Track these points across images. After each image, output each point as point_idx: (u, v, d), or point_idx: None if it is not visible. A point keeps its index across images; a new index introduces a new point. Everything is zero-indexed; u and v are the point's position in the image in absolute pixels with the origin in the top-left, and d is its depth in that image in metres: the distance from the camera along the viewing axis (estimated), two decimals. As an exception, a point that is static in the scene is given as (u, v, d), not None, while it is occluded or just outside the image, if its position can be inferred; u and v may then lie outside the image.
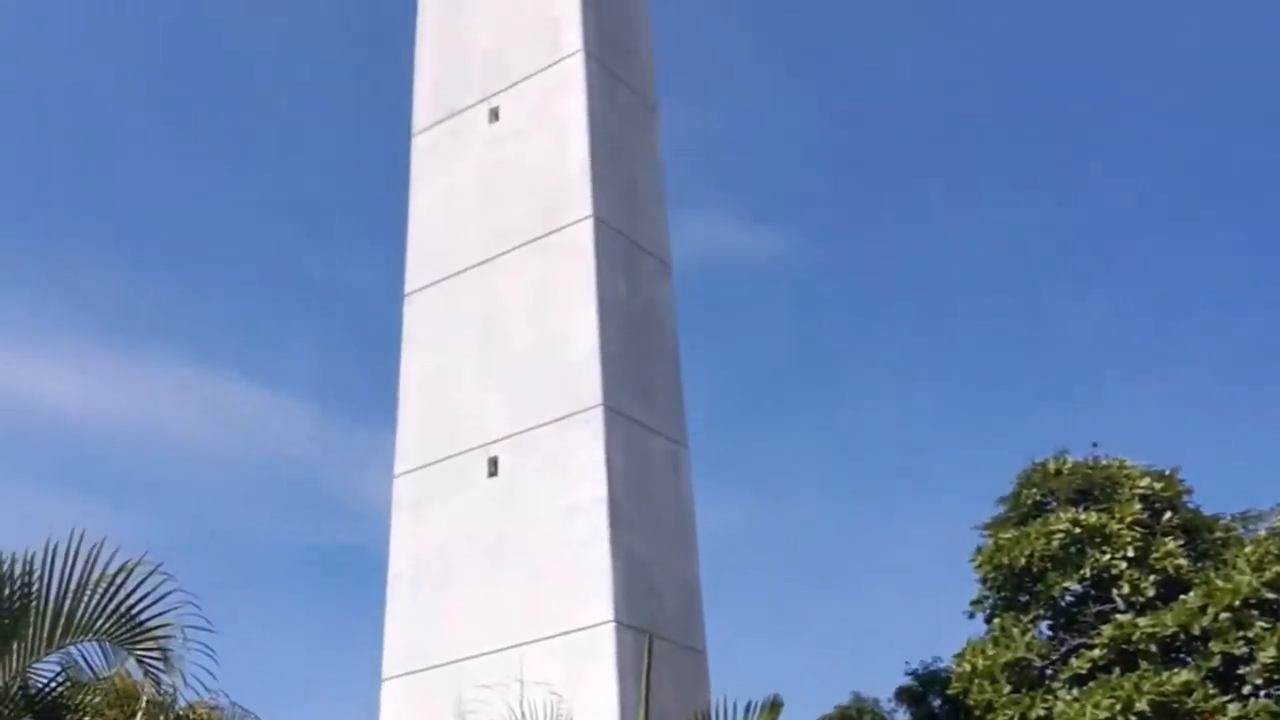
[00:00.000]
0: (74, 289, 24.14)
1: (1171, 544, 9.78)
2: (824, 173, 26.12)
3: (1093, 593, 9.87)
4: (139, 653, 4.44)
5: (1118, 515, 9.89)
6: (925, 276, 25.56)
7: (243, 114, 25.79)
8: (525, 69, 9.00)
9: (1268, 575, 9.06)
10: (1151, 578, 9.64)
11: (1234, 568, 9.44)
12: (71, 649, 4.44)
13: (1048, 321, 24.33)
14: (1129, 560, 9.69)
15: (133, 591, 4.24)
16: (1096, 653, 9.39)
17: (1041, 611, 10.06)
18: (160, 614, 4.32)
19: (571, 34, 8.86)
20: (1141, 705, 8.86)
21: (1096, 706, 9.01)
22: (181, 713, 5.19)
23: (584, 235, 8.33)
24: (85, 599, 4.23)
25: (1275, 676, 8.82)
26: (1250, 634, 8.92)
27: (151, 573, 4.23)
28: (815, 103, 26.02)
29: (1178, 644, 9.45)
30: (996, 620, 10.21)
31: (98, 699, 4.88)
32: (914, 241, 25.48)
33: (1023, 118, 24.99)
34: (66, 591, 4.21)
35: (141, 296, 24.40)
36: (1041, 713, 9.47)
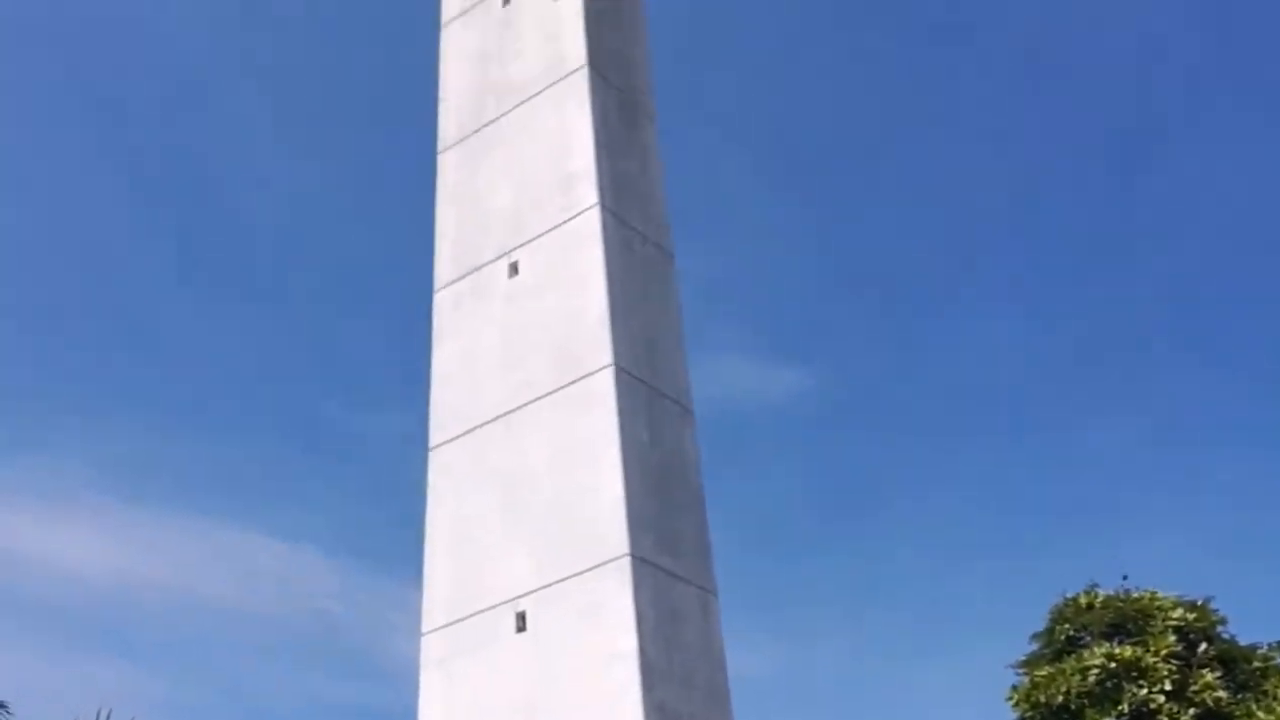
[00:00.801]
0: (97, 449, 24.25)
1: (1209, 676, 9.60)
2: (840, 303, 26.30)
3: (1133, 728, 9.67)
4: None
5: (1153, 648, 9.72)
6: (948, 402, 25.53)
7: (263, 269, 26.19)
8: (543, 224, 9.11)
9: (1310, 705, 8.89)
10: (1191, 711, 9.44)
11: (1275, 698, 9.25)
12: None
13: (1074, 446, 24.22)
14: (1167, 694, 9.49)
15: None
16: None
17: (1082, 748, 9.83)
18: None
19: (587, 188, 8.98)
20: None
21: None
22: None
23: (605, 385, 8.33)
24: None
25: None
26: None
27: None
28: (825, 234, 26.32)
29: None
30: (1038, 758, 9.97)
31: None
32: (936, 368, 25.52)
33: (1041, 233, 25.18)
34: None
35: (164, 454, 24.49)
36: None
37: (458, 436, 8.95)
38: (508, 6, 10.28)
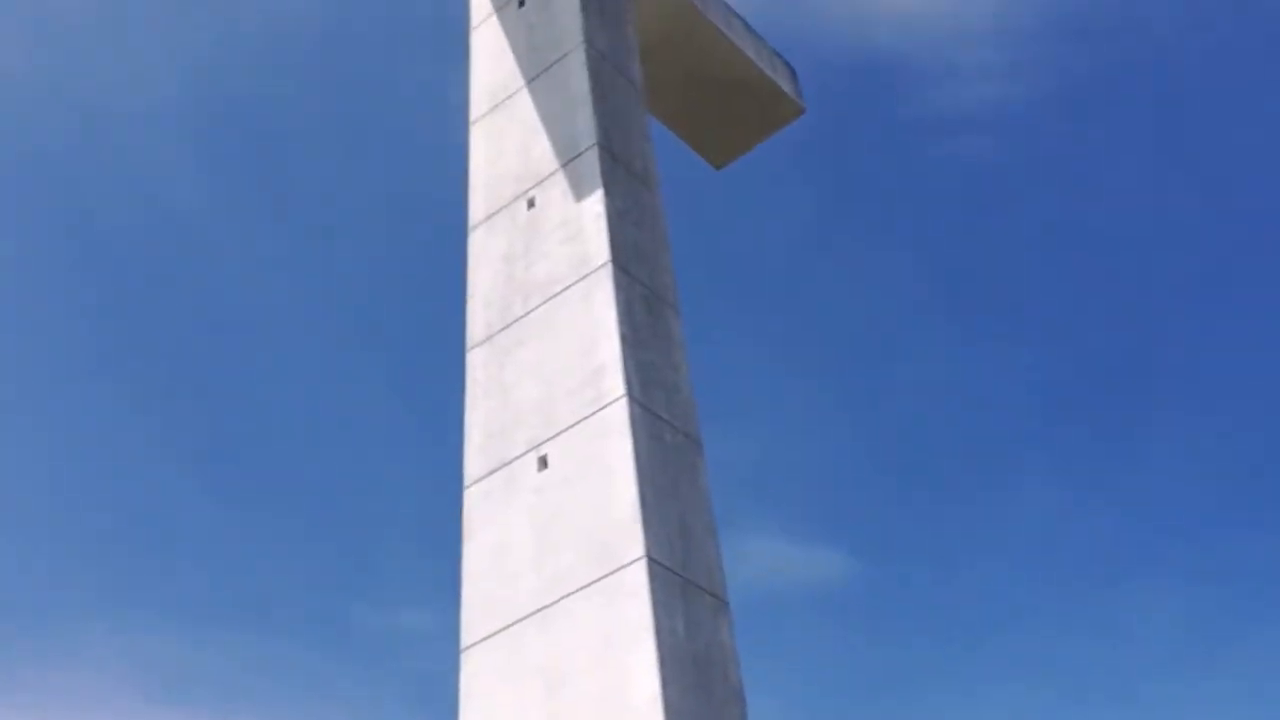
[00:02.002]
0: (126, 654, 23.95)
1: None
2: (873, 483, 26.11)
3: None
4: None
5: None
6: (985, 579, 25.03)
7: (291, 469, 26.28)
8: (571, 417, 9.07)
9: None
10: None
11: None
12: None
13: (1114, 620, 23.65)
14: None
15: None
16: None
17: None
18: None
19: (614, 381, 8.96)
20: None
21: None
22: None
23: (638, 578, 8.13)
24: None
25: None
26: None
27: None
28: (856, 416, 26.30)
29: None
30: None
31: None
32: (970, 546, 25.12)
33: (1075, 413, 25.11)
34: None
35: (193, 658, 24.15)
36: None
37: (490, 635, 8.71)
38: (532, 210, 10.48)
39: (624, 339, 9.13)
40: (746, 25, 14.27)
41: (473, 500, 9.39)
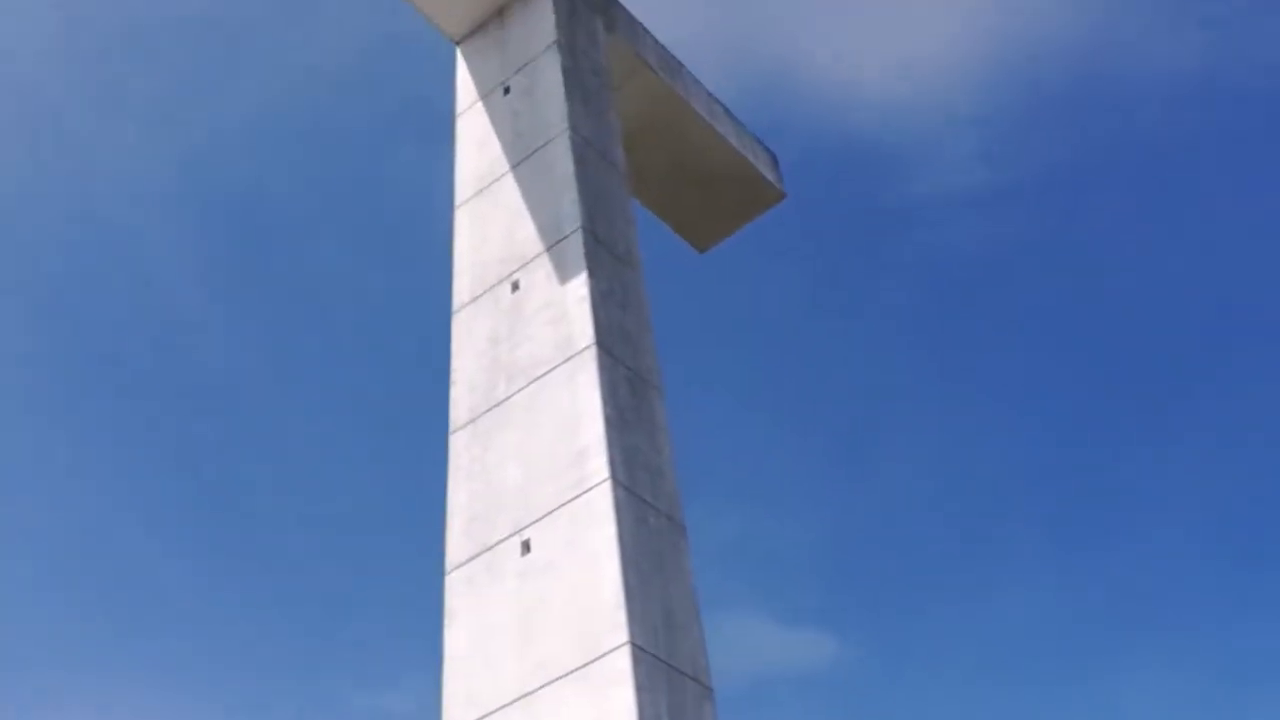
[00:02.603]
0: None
1: None
2: (860, 564, 25.88)
3: None
4: None
5: None
6: (975, 663, 24.72)
7: (276, 550, 25.99)
8: (554, 501, 8.95)
9: None
10: None
11: None
12: None
13: (1106, 701, 23.35)
14: None
15: None
16: None
17: None
18: None
19: (598, 464, 8.86)
20: None
21: None
22: None
23: (622, 664, 7.96)
24: None
25: None
26: None
27: None
28: (842, 496, 26.14)
29: None
30: None
31: None
32: (960, 627, 24.84)
33: (1066, 495, 25.00)
34: None
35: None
36: None
37: (472, 723, 8.52)
38: (517, 293, 10.45)
39: (608, 421, 9.05)
40: (728, 112, 14.41)
41: (454, 585, 9.23)
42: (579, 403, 9.29)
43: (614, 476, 8.73)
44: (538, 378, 9.69)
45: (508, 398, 9.79)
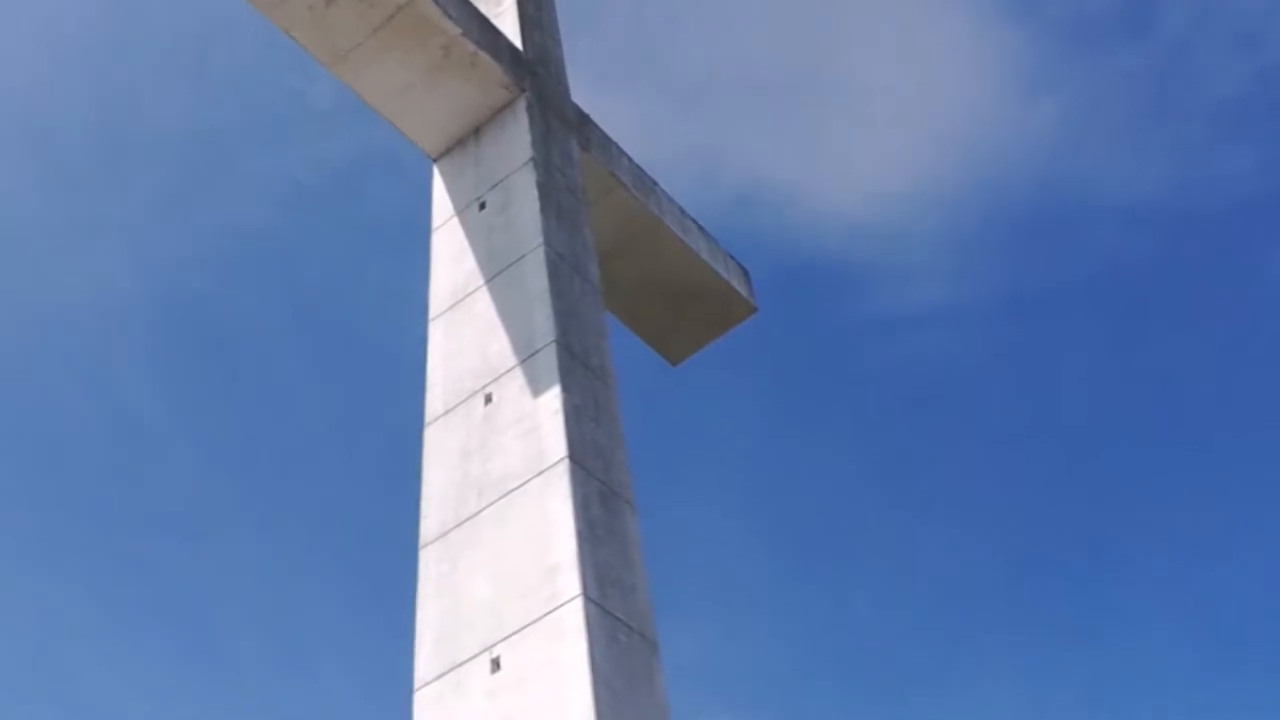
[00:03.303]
0: None
1: None
2: (833, 678, 25.55)
3: None
4: None
5: None
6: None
7: (243, 670, 25.40)
8: (525, 618, 8.76)
9: None
10: None
11: None
12: None
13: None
14: None
15: None
16: None
17: None
18: None
19: (569, 580, 8.70)
20: None
21: None
22: None
23: (593, 787, 7.75)
24: None
25: None
26: None
27: None
28: (814, 611, 25.89)
29: None
30: None
31: None
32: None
33: (1031, 611, 24.87)
34: None
35: None
36: None
37: None
38: (489, 406, 10.38)
39: (580, 537, 8.91)
40: (700, 228, 14.54)
41: (423, 704, 8.98)
42: (550, 518, 9.16)
43: (585, 593, 8.57)
44: (509, 492, 9.57)
45: (478, 512, 9.65)
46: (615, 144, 13.86)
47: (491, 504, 9.64)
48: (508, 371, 10.42)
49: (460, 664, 8.94)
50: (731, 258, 14.87)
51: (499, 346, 10.69)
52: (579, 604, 8.53)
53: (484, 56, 12.18)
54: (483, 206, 12.02)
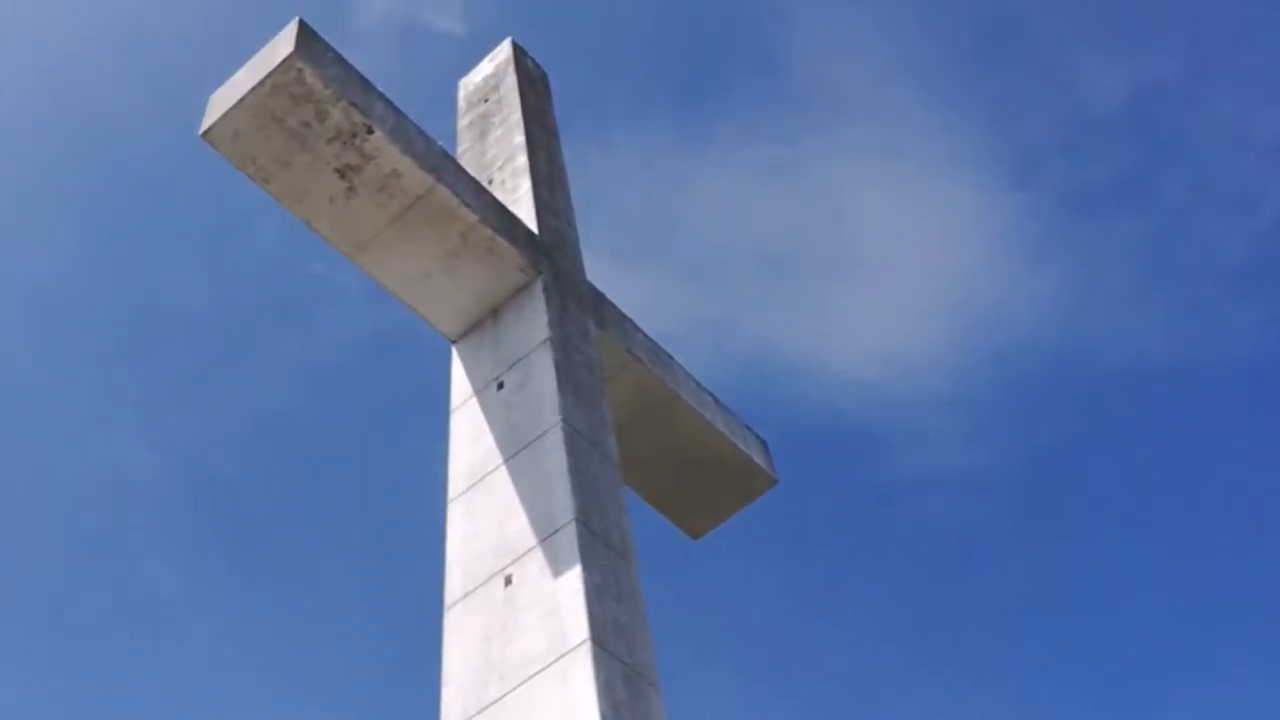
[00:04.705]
0: None
1: None
2: None
3: None
4: None
5: None
6: None
7: None
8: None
9: None
10: None
11: None
12: None
13: None
14: None
15: None
16: None
17: None
18: None
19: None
20: None
21: None
22: None
23: None
24: None
25: None
26: None
27: None
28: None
29: None
30: None
31: None
32: None
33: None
34: None
35: None
36: None
37: None
38: (509, 587, 10.16)
39: (604, 721, 8.59)
40: (717, 401, 14.49)
41: None
42: (573, 702, 8.85)
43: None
44: (531, 676, 9.28)
45: (500, 698, 9.34)
46: (630, 320, 13.94)
47: (513, 690, 9.33)
48: (528, 552, 10.23)
49: None
50: (750, 430, 14.78)
51: (518, 526, 10.52)
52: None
53: (501, 241, 12.34)
54: (501, 386, 12.00)
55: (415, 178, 11.72)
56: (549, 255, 13.03)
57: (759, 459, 14.43)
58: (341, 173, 11.52)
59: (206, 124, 11.11)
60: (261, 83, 10.88)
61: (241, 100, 10.93)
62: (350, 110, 11.20)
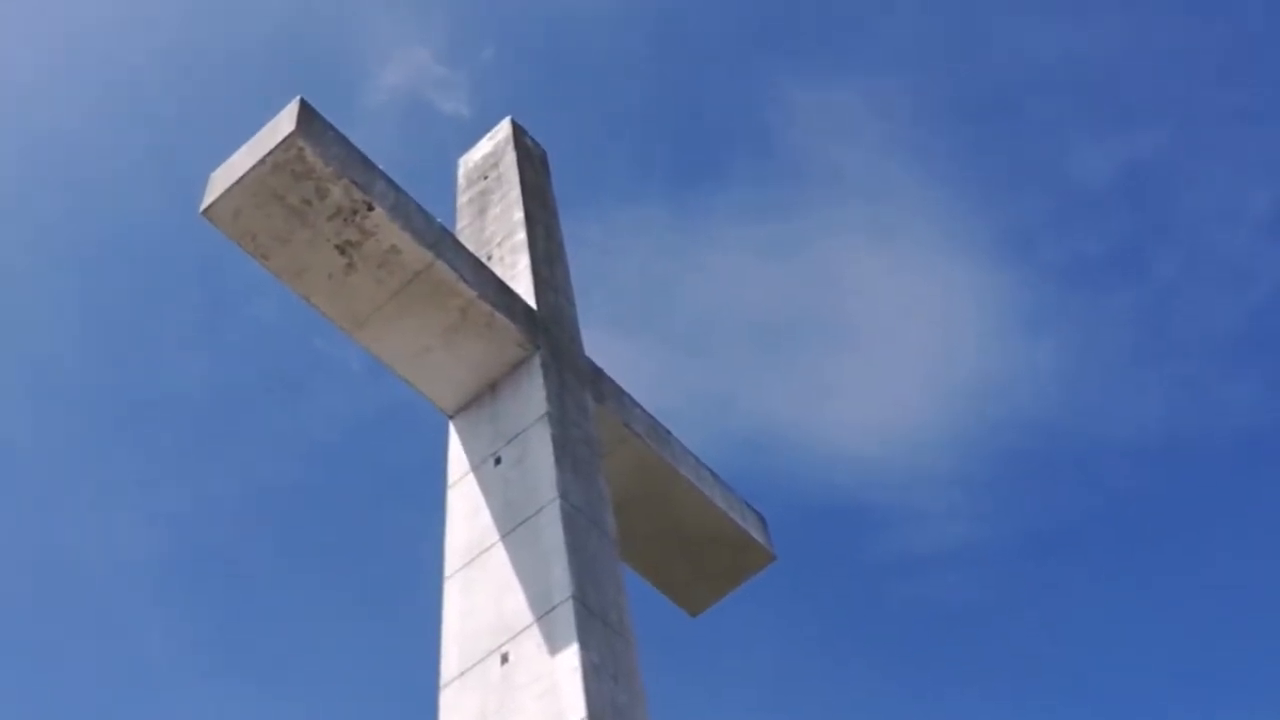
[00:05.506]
0: None
1: None
2: None
3: None
4: None
5: None
6: None
7: None
8: None
9: None
10: None
11: None
12: None
13: None
14: None
15: None
16: None
17: None
18: None
19: None
20: None
21: None
22: None
23: None
24: None
25: None
26: None
27: None
28: None
29: None
30: None
31: None
32: None
33: None
34: None
35: None
36: None
37: None
38: (506, 666, 9.99)
39: (601, 804, 8.40)
40: (715, 476, 14.39)
41: None
42: (570, 785, 8.66)
43: None
44: (527, 758, 9.09)
45: (496, 780, 9.15)
46: (628, 395, 13.88)
47: (509, 771, 9.13)
48: (525, 629, 10.07)
49: None
50: (749, 506, 14.66)
51: (515, 603, 10.37)
52: None
53: (500, 317, 12.33)
54: (498, 461, 11.91)
55: (414, 254, 11.73)
56: (547, 330, 13.01)
57: (757, 535, 14.30)
58: (341, 249, 11.53)
59: (207, 201, 11.14)
60: (262, 160, 10.92)
61: (242, 178, 10.97)
62: (351, 188, 11.23)
